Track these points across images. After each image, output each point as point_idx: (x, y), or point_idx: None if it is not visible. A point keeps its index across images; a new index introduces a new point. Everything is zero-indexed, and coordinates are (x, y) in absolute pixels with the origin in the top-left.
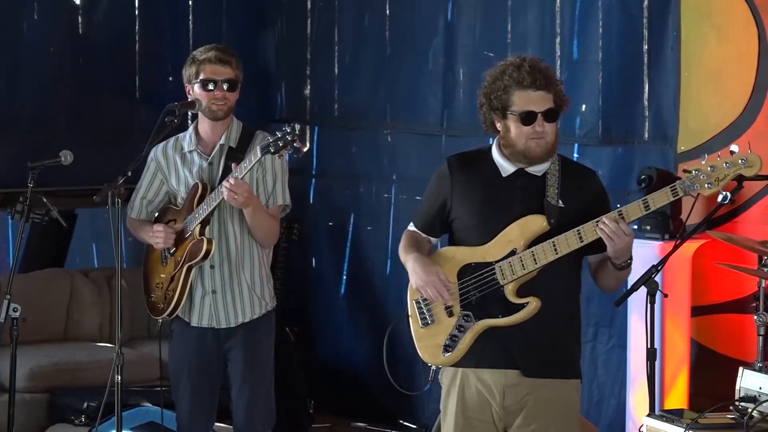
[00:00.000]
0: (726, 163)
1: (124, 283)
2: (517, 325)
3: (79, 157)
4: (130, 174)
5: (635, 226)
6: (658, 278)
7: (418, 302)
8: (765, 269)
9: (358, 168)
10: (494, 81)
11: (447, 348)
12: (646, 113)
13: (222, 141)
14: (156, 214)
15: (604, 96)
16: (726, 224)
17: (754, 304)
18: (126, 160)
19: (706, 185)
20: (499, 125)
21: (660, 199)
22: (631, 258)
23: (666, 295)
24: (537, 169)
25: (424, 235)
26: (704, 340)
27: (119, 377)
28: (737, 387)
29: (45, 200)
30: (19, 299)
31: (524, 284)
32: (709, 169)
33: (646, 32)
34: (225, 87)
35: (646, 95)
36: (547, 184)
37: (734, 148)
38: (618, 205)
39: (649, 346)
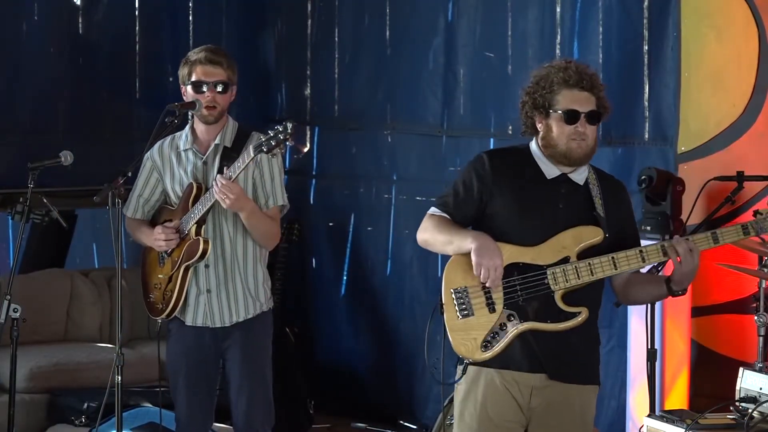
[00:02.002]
0: None
1: (124, 283)
2: (556, 332)
3: (79, 157)
4: (130, 174)
5: None
6: None
7: (457, 291)
8: (765, 270)
9: (358, 168)
10: (539, 80)
11: (487, 345)
12: (646, 114)
13: (217, 141)
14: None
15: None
16: (726, 224)
17: (755, 305)
18: (126, 160)
19: None
20: (540, 125)
21: (730, 235)
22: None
23: None
24: (578, 177)
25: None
26: (704, 340)
27: (119, 378)
28: (737, 387)
29: (45, 201)
30: (19, 300)
31: (570, 292)
32: None
33: (646, 32)
34: (216, 89)
35: (646, 96)
36: (591, 194)
37: None
38: None
39: (649, 347)
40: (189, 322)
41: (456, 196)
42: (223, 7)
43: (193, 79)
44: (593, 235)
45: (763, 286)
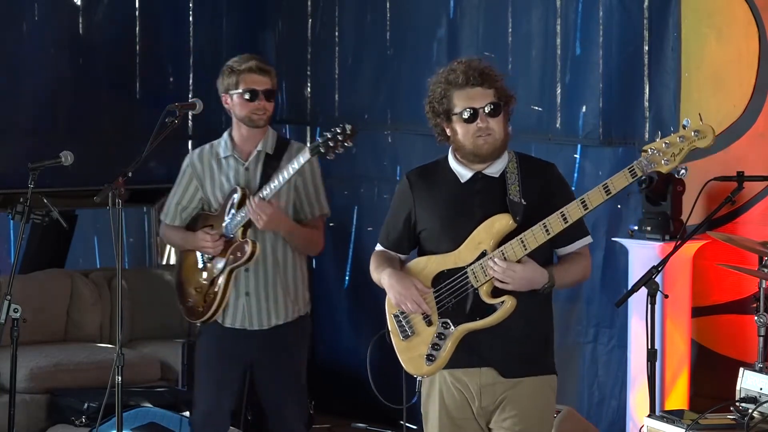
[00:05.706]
0: (680, 138)
1: (125, 283)
2: (491, 326)
3: (79, 157)
4: (130, 174)
5: (635, 227)
6: (658, 279)
7: (396, 316)
8: (765, 270)
9: (359, 169)
10: (434, 88)
11: (430, 357)
12: (647, 114)
13: (260, 147)
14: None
15: (605, 97)
16: (726, 225)
17: (755, 305)
18: (126, 160)
19: (663, 162)
20: (448, 131)
21: (619, 181)
22: (551, 284)
23: (666, 296)
24: (494, 170)
25: (393, 254)
26: (705, 340)
27: (119, 378)
28: (738, 388)
29: (45, 201)
30: (19, 300)
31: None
32: (663, 146)
33: (646, 33)
34: (265, 97)
35: (646, 96)
36: (507, 183)
37: (686, 122)
38: (618, 206)
39: (649, 347)
40: (228, 324)
41: (387, 227)
42: (223, 7)
43: (242, 87)
44: (504, 222)
45: (763, 286)
